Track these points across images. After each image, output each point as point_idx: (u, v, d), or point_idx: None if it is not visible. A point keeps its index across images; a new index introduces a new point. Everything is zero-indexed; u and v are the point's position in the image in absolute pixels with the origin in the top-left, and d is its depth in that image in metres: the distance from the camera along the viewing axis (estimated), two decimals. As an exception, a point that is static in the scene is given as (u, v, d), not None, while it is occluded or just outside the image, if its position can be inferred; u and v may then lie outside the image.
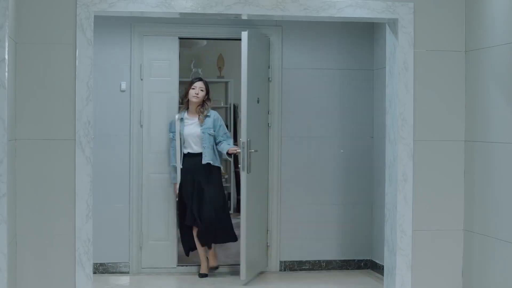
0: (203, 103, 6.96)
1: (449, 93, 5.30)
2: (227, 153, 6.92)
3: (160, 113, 7.07)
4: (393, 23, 5.31)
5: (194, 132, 6.88)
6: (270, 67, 7.19)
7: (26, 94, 4.84)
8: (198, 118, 6.92)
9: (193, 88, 6.94)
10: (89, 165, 4.93)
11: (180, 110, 7.09)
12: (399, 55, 5.24)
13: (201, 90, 6.94)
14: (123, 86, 7.00)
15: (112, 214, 6.93)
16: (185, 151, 6.88)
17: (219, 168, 6.99)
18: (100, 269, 6.83)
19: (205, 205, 6.85)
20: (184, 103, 7.03)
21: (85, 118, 4.92)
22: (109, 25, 6.71)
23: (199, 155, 6.86)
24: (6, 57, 4.33)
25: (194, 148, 6.88)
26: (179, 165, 6.88)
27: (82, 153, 4.91)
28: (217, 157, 6.94)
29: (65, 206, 4.92)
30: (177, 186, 6.93)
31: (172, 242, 7.09)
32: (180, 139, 6.87)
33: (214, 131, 6.91)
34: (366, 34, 7.34)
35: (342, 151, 7.33)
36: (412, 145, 5.24)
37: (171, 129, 6.96)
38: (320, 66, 7.28)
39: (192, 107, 6.95)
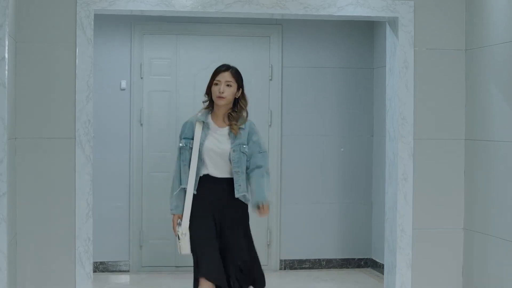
0: (235, 105, 4.78)
1: (449, 92, 5.30)
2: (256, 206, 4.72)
3: (160, 112, 7.07)
4: (393, 22, 5.31)
5: (220, 149, 4.70)
6: (270, 65, 7.19)
7: (26, 93, 4.83)
8: (230, 129, 4.73)
9: (217, 84, 4.71)
10: (89, 164, 4.92)
11: (202, 110, 4.83)
12: (399, 53, 5.24)
13: (228, 86, 4.70)
14: (123, 84, 7.00)
15: (112, 212, 6.93)
16: (204, 172, 4.70)
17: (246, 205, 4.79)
18: (100, 267, 6.83)
19: (229, 260, 4.71)
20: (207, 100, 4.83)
21: (85, 116, 4.92)
22: (109, 23, 6.71)
23: (224, 181, 4.71)
24: (6, 56, 4.33)
25: (216, 171, 4.72)
26: (191, 190, 4.69)
27: (82, 152, 4.91)
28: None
29: (65, 205, 4.92)
30: (179, 220, 4.74)
31: (172, 241, 7.09)
32: (200, 152, 4.69)
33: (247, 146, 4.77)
34: (366, 33, 7.34)
35: (342, 149, 7.33)
36: (412, 144, 5.24)
37: (184, 134, 4.77)
38: (320, 65, 7.28)
39: (218, 110, 4.76)
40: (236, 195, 4.71)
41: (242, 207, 4.78)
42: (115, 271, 6.91)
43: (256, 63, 7.08)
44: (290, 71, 7.24)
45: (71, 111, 4.91)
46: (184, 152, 4.75)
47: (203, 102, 4.82)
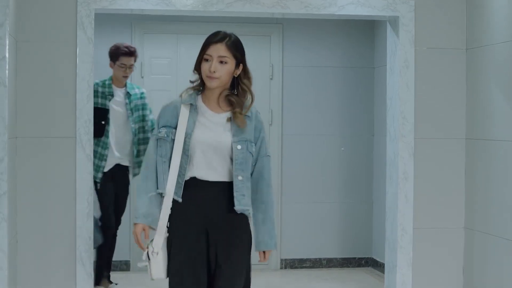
0: (234, 86, 3.64)
1: (450, 91, 5.30)
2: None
3: (161, 111, 7.07)
4: (394, 21, 5.31)
5: (216, 141, 3.58)
6: (271, 65, 7.19)
7: (27, 92, 4.83)
8: (234, 119, 3.59)
9: (207, 59, 3.55)
10: (89, 163, 4.92)
11: (188, 89, 3.70)
12: (400, 53, 5.24)
13: (222, 62, 3.54)
14: (124, 84, 6.99)
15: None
16: (190, 174, 3.57)
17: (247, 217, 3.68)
18: (101, 267, 6.83)
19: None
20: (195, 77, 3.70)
21: (86, 116, 4.91)
22: (109, 22, 6.71)
23: (218, 187, 3.58)
24: (7, 55, 4.33)
25: (208, 173, 3.58)
26: (170, 196, 3.56)
27: (83, 151, 4.90)
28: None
29: (66, 204, 4.92)
30: (150, 232, 3.63)
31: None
32: (185, 146, 3.56)
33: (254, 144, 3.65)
34: (367, 32, 7.34)
35: (343, 149, 7.33)
36: (413, 143, 5.24)
37: (165, 121, 3.64)
38: (321, 64, 7.28)
39: (210, 91, 3.62)
40: (237, 208, 3.55)
41: (243, 223, 3.61)
42: (116, 270, 6.91)
43: (256, 63, 7.08)
44: (290, 70, 7.24)
45: (72, 110, 4.90)
46: (163, 145, 3.58)
47: (191, 81, 3.67)
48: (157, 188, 3.57)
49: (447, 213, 5.31)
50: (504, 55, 4.86)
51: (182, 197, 3.56)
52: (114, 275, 6.66)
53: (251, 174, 3.63)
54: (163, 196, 3.56)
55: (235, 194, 3.55)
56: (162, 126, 3.62)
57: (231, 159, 3.58)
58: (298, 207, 7.25)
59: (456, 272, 5.32)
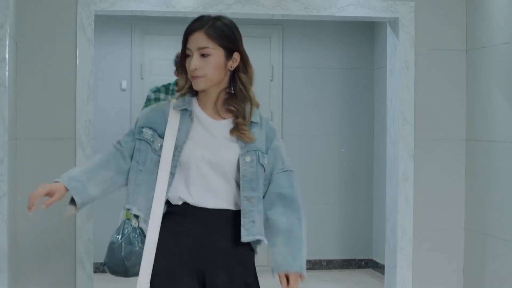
0: (231, 84, 2.84)
1: (450, 92, 5.30)
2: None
3: (161, 112, 7.07)
4: (394, 22, 5.31)
5: (218, 157, 2.78)
6: (271, 66, 7.19)
7: (27, 93, 4.83)
8: (238, 131, 2.79)
9: (189, 54, 2.78)
10: (89, 164, 4.91)
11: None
12: (400, 54, 5.24)
13: (204, 55, 2.75)
14: (124, 85, 7.00)
15: (113, 213, 6.92)
16: (182, 197, 2.77)
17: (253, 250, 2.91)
18: (101, 268, 6.83)
19: None
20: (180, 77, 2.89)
21: (86, 117, 4.91)
22: (109, 24, 6.71)
23: (220, 217, 2.77)
24: (7, 56, 4.33)
25: (205, 198, 2.77)
26: (153, 229, 2.75)
27: (83, 152, 4.90)
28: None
29: (66, 205, 4.90)
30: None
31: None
32: (175, 164, 2.76)
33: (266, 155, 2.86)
34: (367, 33, 7.34)
35: (343, 150, 7.34)
36: (412, 144, 5.24)
37: (150, 123, 2.83)
38: (321, 65, 7.28)
39: (205, 94, 2.83)
40: (245, 239, 2.73)
41: (250, 260, 2.85)
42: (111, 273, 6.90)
43: (256, 64, 7.01)
44: (290, 71, 7.24)
45: (72, 111, 4.90)
46: (143, 150, 2.78)
47: (176, 90, 2.84)
48: (127, 203, 2.83)
49: (447, 214, 5.31)
50: (504, 56, 4.86)
51: (168, 229, 2.73)
52: (115, 277, 6.65)
53: (264, 196, 2.81)
54: (138, 221, 2.78)
55: (242, 221, 2.71)
56: (147, 127, 2.80)
57: (237, 181, 2.77)
58: (298, 208, 7.26)
59: (456, 273, 5.32)
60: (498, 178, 4.93)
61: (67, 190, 2.90)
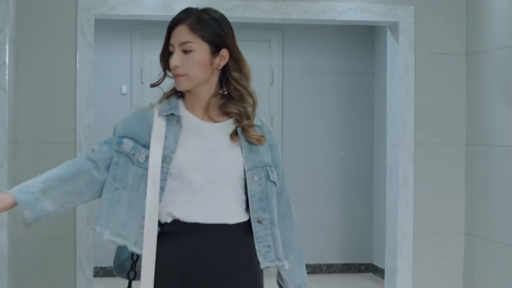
0: (223, 84, 2.54)
1: (450, 96, 5.30)
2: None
3: (161, 116, 7.07)
4: (394, 27, 5.31)
5: (218, 162, 2.47)
6: (271, 70, 7.19)
7: (27, 98, 4.83)
8: (246, 135, 2.50)
9: (171, 51, 2.54)
10: (89, 169, 4.91)
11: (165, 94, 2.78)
12: (400, 58, 5.24)
13: (186, 52, 2.49)
14: (124, 89, 7.00)
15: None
16: (173, 213, 2.45)
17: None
18: (101, 272, 6.81)
19: None
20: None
21: (86, 121, 4.91)
22: (109, 28, 6.71)
23: (226, 233, 2.47)
24: (7, 60, 4.33)
25: (204, 213, 2.45)
26: (148, 256, 2.49)
27: (83, 156, 4.90)
28: None
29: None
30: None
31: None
32: (161, 178, 2.43)
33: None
34: (366, 37, 7.35)
35: (342, 154, 7.34)
36: (412, 149, 5.23)
37: (130, 132, 2.56)
38: (321, 69, 7.29)
39: (192, 99, 2.59)
40: (264, 265, 2.52)
41: (259, 283, 2.58)
42: (116, 276, 6.89)
43: (256, 68, 7.04)
44: (290, 75, 7.24)
45: (72, 115, 4.90)
46: (122, 164, 2.45)
47: (151, 85, 2.70)
48: (95, 224, 2.46)
49: (447, 218, 5.31)
50: (504, 60, 4.86)
51: (156, 254, 2.43)
52: (115, 280, 6.65)
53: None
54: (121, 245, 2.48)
55: (257, 246, 2.47)
56: (127, 137, 2.47)
57: (244, 192, 2.49)
58: (298, 212, 7.19)
59: (456, 278, 5.31)
60: (498, 182, 4.93)
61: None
